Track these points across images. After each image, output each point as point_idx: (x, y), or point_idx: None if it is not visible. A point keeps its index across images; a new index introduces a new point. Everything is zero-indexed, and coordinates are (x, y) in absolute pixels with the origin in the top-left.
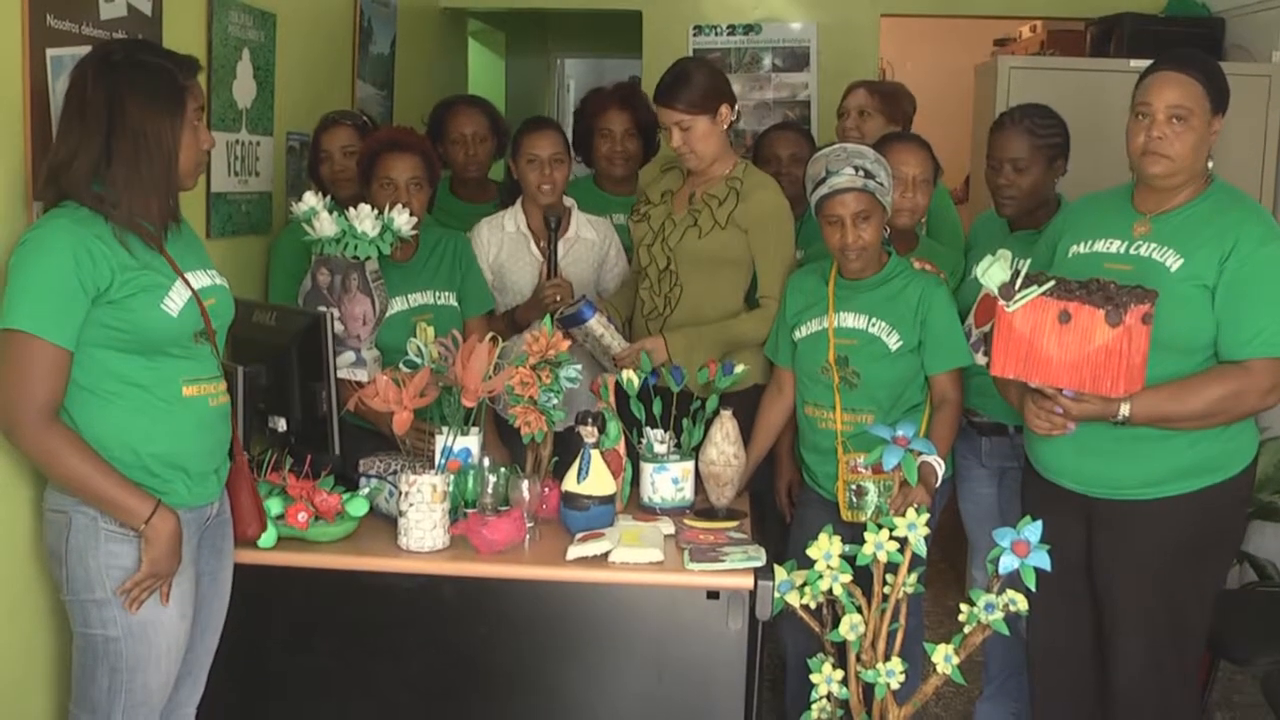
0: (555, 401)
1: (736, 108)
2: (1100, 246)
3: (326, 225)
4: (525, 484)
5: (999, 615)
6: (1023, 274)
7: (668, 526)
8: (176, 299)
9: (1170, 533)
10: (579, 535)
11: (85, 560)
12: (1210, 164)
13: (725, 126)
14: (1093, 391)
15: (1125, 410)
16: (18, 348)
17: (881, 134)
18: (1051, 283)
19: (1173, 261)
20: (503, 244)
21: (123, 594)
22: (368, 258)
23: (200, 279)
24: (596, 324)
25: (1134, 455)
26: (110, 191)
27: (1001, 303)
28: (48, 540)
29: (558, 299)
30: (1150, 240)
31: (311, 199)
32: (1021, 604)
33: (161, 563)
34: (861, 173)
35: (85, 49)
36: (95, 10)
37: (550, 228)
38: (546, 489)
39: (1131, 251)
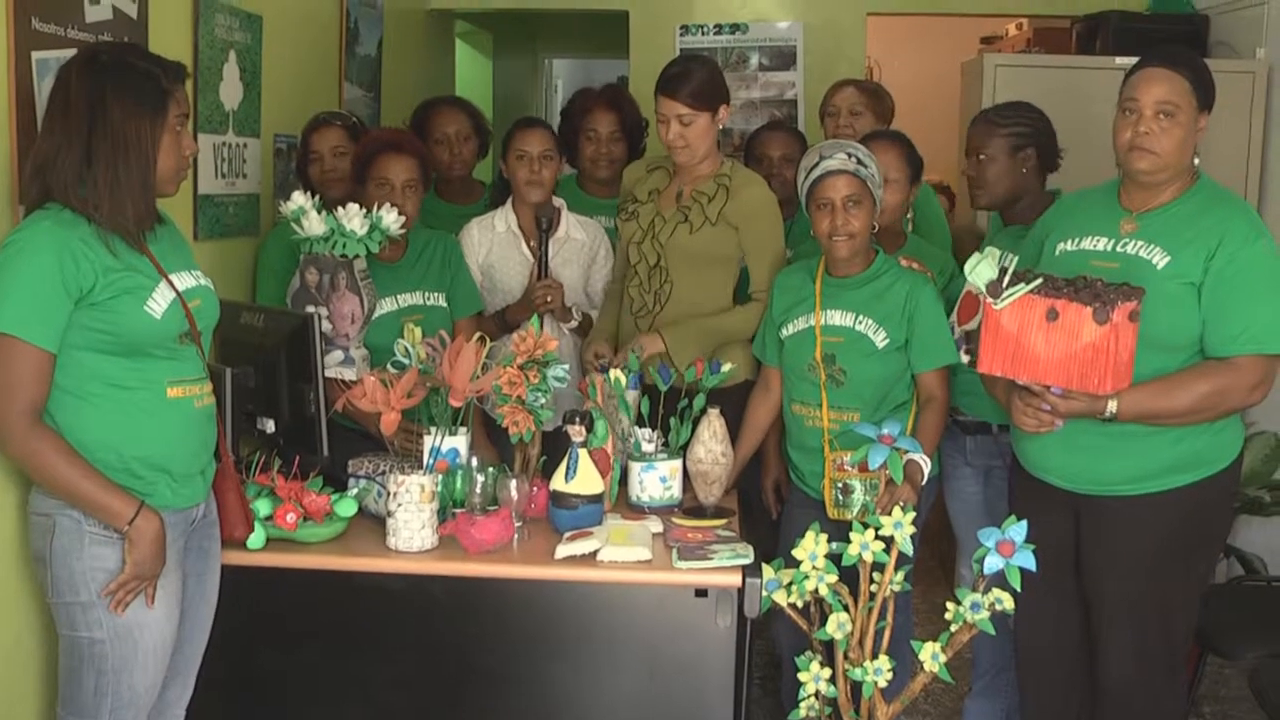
0: (543, 401)
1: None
2: (1088, 244)
3: (315, 224)
4: (513, 483)
5: (985, 615)
6: (1010, 271)
7: (656, 525)
8: (160, 300)
9: (1158, 528)
10: (567, 534)
11: (70, 563)
12: (1196, 161)
13: (720, 126)
14: (1080, 389)
15: (1113, 407)
16: (1, 350)
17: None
18: (1039, 280)
19: (1160, 259)
20: (493, 244)
21: (107, 596)
22: (356, 256)
23: (185, 280)
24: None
25: (1121, 451)
26: (93, 193)
27: (989, 300)
28: (33, 543)
29: (548, 299)
30: (1137, 238)
31: (300, 198)
32: (1008, 603)
33: (145, 564)
34: (854, 159)
35: (70, 52)
36: (80, 13)
37: (542, 228)
38: (535, 488)
39: (1119, 249)
